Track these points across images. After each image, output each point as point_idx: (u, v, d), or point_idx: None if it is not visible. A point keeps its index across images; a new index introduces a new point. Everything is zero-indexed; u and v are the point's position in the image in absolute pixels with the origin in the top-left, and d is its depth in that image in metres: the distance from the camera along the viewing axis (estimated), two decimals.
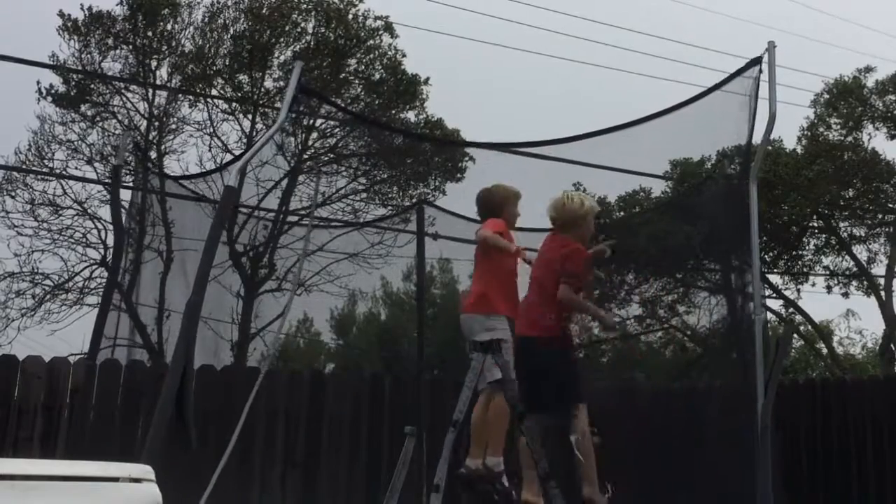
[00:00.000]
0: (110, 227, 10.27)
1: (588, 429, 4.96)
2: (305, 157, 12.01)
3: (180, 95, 11.91)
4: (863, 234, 14.80)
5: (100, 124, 11.67)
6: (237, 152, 11.69)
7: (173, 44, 11.75)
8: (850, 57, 23.94)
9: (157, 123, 11.76)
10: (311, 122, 11.90)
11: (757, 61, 6.21)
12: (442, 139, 12.09)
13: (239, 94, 11.96)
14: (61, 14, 11.51)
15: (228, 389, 6.62)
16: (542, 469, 5.16)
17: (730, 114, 6.50)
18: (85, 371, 6.32)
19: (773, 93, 6.09)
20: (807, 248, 14.78)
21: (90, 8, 11.51)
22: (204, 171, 10.91)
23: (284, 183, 11.43)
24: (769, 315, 15.43)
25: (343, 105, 11.83)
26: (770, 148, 12.53)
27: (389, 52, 12.26)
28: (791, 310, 15.47)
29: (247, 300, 10.99)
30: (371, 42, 12.15)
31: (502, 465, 4.98)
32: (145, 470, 2.68)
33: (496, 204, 5.31)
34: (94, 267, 11.31)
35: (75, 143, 11.55)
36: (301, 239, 8.80)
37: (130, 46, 11.62)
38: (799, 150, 14.17)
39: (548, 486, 5.09)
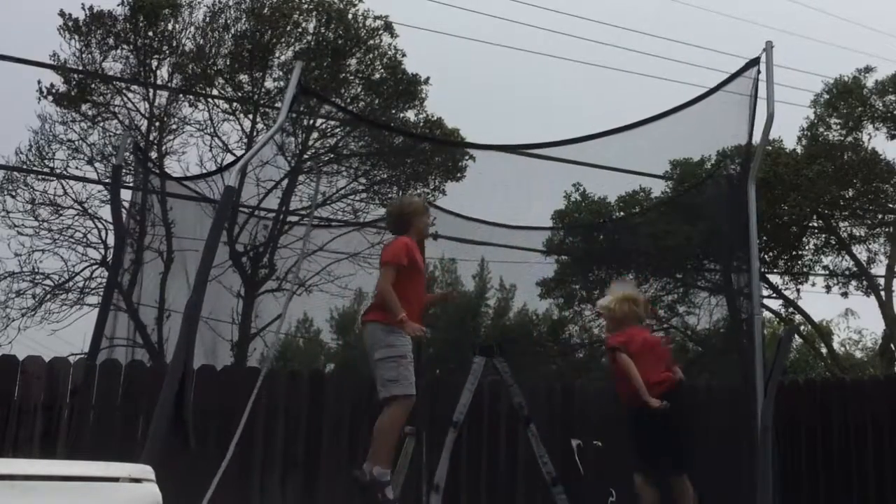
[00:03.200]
0: (111, 227, 10.28)
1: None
2: (306, 157, 12.02)
3: (181, 95, 11.92)
4: (863, 234, 14.82)
5: (100, 124, 11.69)
6: (238, 152, 11.71)
7: (174, 44, 11.75)
8: (850, 57, 23.98)
9: (157, 123, 11.76)
10: (312, 122, 11.92)
11: (755, 62, 6.22)
12: (442, 140, 12.10)
13: (239, 94, 11.97)
14: (62, 14, 11.53)
15: (228, 389, 6.61)
16: (548, 474, 5.19)
17: (729, 114, 6.51)
18: (85, 371, 6.32)
19: (772, 93, 6.10)
20: (806, 248, 14.79)
21: (91, 8, 11.53)
22: (205, 171, 10.93)
23: (284, 183, 11.43)
24: (769, 315, 15.45)
25: (343, 105, 11.84)
26: (770, 148, 12.54)
27: (389, 52, 12.27)
28: (791, 310, 15.48)
29: (247, 300, 11.00)
30: (371, 42, 12.17)
31: (388, 477, 4.95)
32: (145, 470, 2.68)
33: (403, 218, 5.32)
34: (94, 267, 11.34)
35: (76, 142, 11.58)
36: (301, 239, 8.81)
37: (131, 46, 11.62)
38: (799, 150, 14.19)
39: (554, 491, 5.12)
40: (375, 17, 12.19)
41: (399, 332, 4.98)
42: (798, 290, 15.03)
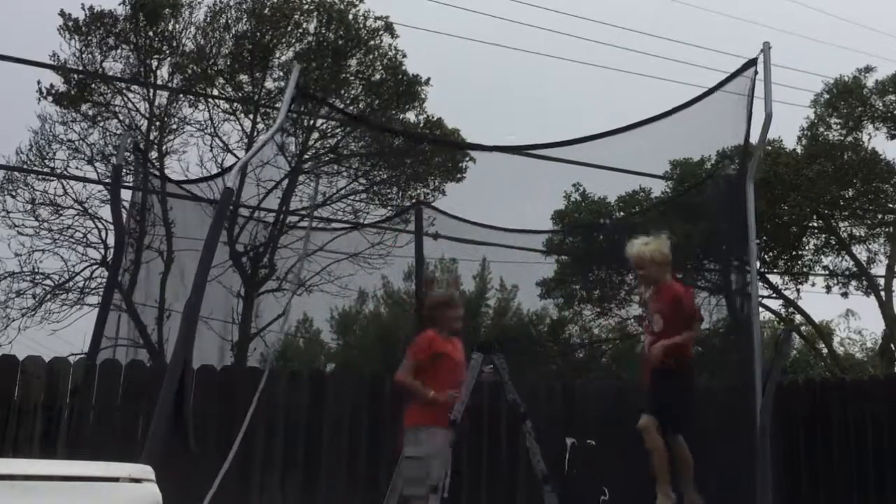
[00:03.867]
0: (111, 226, 10.28)
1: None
2: (306, 157, 12.02)
3: (181, 95, 11.92)
4: (863, 234, 14.82)
5: (101, 124, 11.69)
6: (238, 153, 11.71)
7: (174, 44, 11.76)
8: (850, 57, 23.94)
9: (158, 123, 11.76)
10: (312, 122, 11.92)
11: (753, 62, 6.23)
12: (444, 140, 12.11)
13: (240, 95, 11.97)
14: (62, 14, 11.52)
15: (228, 389, 6.62)
16: (541, 470, 5.20)
17: (728, 114, 6.53)
18: (85, 371, 6.33)
19: (769, 93, 6.10)
20: (806, 248, 14.79)
21: (91, 7, 11.53)
22: (206, 174, 10.91)
23: (285, 183, 11.44)
24: (769, 315, 15.44)
25: (342, 106, 11.84)
26: (770, 148, 12.55)
27: (390, 53, 12.28)
28: (791, 309, 15.48)
29: (247, 300, 11.00)
30: (371, 42, 12.17)
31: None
32: (145, 470, 2.69)
33: (427, 314, 5.41)
34: (94, 267, 11.33)
35: (76, 142, 11.58)
36: (301, 239, 8.83)
37: (131, 46, 11.62)
38: (799, 149, 14.19)
39: (543, 489, 5.14)
40: (376, 18, 12.20)
41: (431, 431, 4.99)
42: (798, 290, 15.03)
